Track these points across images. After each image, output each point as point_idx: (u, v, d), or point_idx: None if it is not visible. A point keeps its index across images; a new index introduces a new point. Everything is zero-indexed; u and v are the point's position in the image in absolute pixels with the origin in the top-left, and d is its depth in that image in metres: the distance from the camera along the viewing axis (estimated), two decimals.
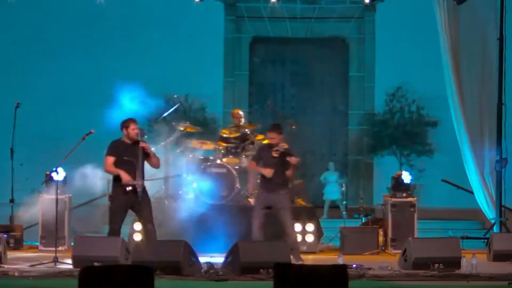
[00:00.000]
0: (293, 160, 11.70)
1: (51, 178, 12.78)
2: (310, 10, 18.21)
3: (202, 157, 13.98)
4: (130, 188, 11.13)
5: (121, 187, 11.11)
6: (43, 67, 17.13)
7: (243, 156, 13.99)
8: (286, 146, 11.80)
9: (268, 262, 9.79)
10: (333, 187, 16.95)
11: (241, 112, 15.04)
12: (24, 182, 14.81)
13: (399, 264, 11.19)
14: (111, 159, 11.20)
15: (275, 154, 11.66)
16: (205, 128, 16.59)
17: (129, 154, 11.26)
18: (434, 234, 14.19)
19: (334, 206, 16.91)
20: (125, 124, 11.47)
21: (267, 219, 11.88)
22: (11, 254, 12.12)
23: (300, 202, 13.96)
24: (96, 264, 9.86)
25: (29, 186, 14.71)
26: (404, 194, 13.64)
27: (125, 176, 11.13)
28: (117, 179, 11.17)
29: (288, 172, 11.79)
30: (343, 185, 16.68)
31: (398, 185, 13.70)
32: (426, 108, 17.64)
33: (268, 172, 11.74)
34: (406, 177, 13.78)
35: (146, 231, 11.23)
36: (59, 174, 12.75)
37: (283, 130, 12.05)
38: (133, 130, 11.38)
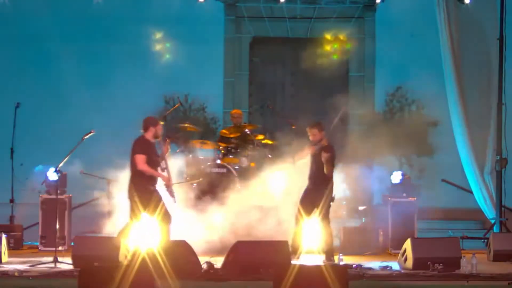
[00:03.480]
0: (323, 156, 11.73)
1: (47, 178, 12.83)
2: (310, 10, 18.18)
3: (202, 157, 13.98)
4: (166, 188, 11.21)
5: (149, 187, 11.08)
6: (43, 67, 17.11)
7: (243, 156, 14.00)
8: (326, 143, 11.86)
9: (268, 262, 9.80)
10: (338, 187, 16.92)
11: (240, 112, 15.05)
12: (24, 182, 14.83)
13: (399, 264, 11.19)
14: (144, 157, 11.10)
15: (312, 151, 11.77)
16: (205, 128, 16.59)
17: (155, 153, 11.27)
18: (434, 234, 14.19)
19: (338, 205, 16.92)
20: (153, 122, 11.40)
21: (306, 216, 12.04)
22: (11, 254, 12.13)
23: None
24: (96, 264, 9.87)
25: (29, 186, 14.72)
26: (404, 194, 13.65)
27: (164, 178, 11.19)
28: (145, 178, 11.09)
29: (325, 169, 11.81)
30: (344, 185, 16.65)
31: (393, 186, 13.77)
32: (426, 108, 17.62)
33: (307, 151, 11.96)
34: (396, 177, 13.81)
35: (167, 230, 11.23)
36: (54, 174, 12.76)
37: (322, 126, 12.07)
38: (160, 129, 11.37)
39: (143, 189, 11.09)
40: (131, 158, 11.22)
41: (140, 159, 11.06)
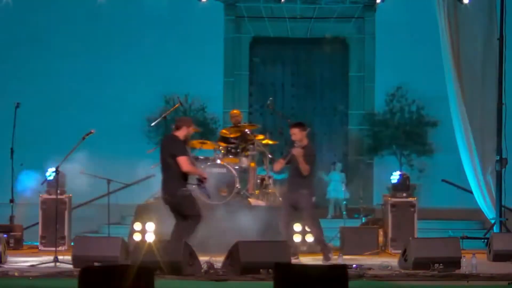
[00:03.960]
0: (294, 151, 11.76)
1: (46, 178, 12.85)
2: (310, 10, 18.20)
3: (202, 157, 13.98)
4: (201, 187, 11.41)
5: (187, 187, 11.20)
6: (43, 67, 17.13)
7: (243, 156, 13.99)
8: (305, 143, 11.87)
9: (268, 262, 9.79)
10: (337, 186, 16.94)
11: (239, 112, 15.06)
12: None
13: (399, 264, 11.19)
14: (187, 158, 11.18)
15: (293, 152, 11.79)
16: (205, 128, 16.60)
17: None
18: (434, 234, 14.20)
19: (338, 205, 16.94)
20: (188, 123, 11.46)
21: (292, 218, 12.10)
22: (11, 254, 12.12)
23: None
24: (96, 264, 9.87)
25: (29, 186, 14.72)
26: (404, 194, 13.65)
27: (205, 175, 11.35)
28: (185, 178, 11.17)
29: (300, 167, 11.83)
30: (344, 185, 16.68)
31: (393, 186, 13.79)
32: (426, 108, 17.64)
33: (276, 165, 12.09)
34: (393, 177, 13.82)
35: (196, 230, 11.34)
36: (51, 174, 12.77)
37: (304, 126, 12.07)
38: (192, 131, 11.53)
39: (186, 189, 11.18)
40: (172, 159, 11.14)
41: (184, 160, 11.08)
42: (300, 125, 12.10)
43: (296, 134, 11.96)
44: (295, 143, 11.95)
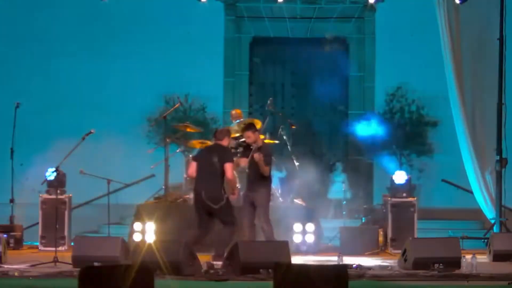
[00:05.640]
0: (255, 157, 11.81)
1: (46, 178, 12.86)
2: (310, 10, 18.18)
3: None
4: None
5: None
6: (43, 67, 17.12)
7: (244, 156, 13.98)
8: (260, 143, 11.92)
9: (268, 262, 9.79)
10: (338, 187, 16.93)
11: (240, 112, 15.05)
12: (24, 182, 14.82)
13: (399, 264, 11.19)
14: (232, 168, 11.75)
15: (255, 157, 11.85)
16: (205, 128, 16.60)
17: None
18: (434, 234, 14.20)
19: (338, 205, 16.94)
20: (228, 133, 12.01)
21: (254, 216, 12.07)
22: (11, 254, 12.13)
23: (300, 202, 13.96)
24: (96, 264, 9.88)
25: (29, 186, 14.72)
26: (404, 194, 13.65)
27: (237, 192, 12.11)
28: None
29: (260, 169, 11.84)
30: (344, 185, 16.67)
31: (394, 186, 13.77)
32: (426, 108, 17.62)
33: (243, 161, 12.07)
34: (400, 178, 13.80)
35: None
36: (52, 174, 12.77)
37: (255, 127, 12.17)
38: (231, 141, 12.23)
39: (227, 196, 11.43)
40: (221, 166, 11.37)
41: (231, 168, 11.47)
42: (250, 127, 12.12)
43: (250, 137, 12.02)
44: (251, 146, 12.01)
